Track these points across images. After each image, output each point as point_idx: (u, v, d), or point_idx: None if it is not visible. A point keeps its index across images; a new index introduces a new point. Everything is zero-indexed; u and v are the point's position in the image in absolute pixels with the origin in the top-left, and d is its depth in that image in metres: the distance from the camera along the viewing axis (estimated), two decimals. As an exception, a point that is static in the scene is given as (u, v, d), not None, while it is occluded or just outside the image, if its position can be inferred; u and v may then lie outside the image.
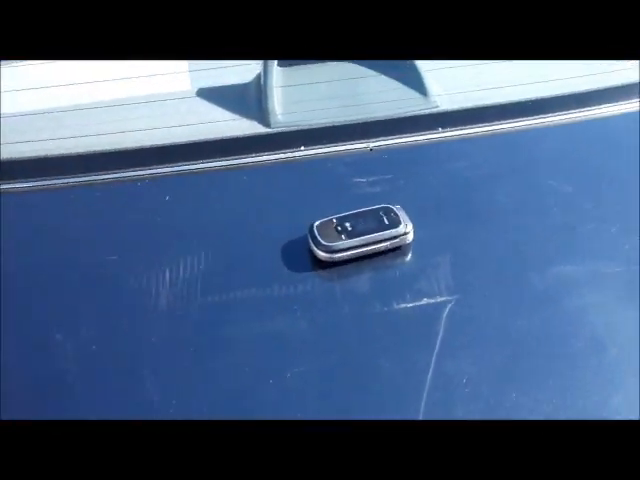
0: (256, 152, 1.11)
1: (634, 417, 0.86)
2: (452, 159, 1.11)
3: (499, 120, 1.16)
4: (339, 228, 0.96)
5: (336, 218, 0.97)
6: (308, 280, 0.96)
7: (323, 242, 0.95)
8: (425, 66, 1.23)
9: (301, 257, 0.98)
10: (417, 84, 1.21)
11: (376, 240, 0.96)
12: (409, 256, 0.99)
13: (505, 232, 1.02)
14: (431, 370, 0.87)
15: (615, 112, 1.19)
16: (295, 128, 1.14)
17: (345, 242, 0.95)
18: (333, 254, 0.95)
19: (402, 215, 0.98)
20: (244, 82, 1.26)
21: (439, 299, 0.93)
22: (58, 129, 1.17)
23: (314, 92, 1.24)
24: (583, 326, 0.92)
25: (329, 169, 1.10)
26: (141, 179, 1.08)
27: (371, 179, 1.08)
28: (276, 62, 1.22)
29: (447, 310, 0.92)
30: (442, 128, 1.14)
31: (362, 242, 0.96)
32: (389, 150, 1.12)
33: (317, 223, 0.97)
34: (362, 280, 0.97)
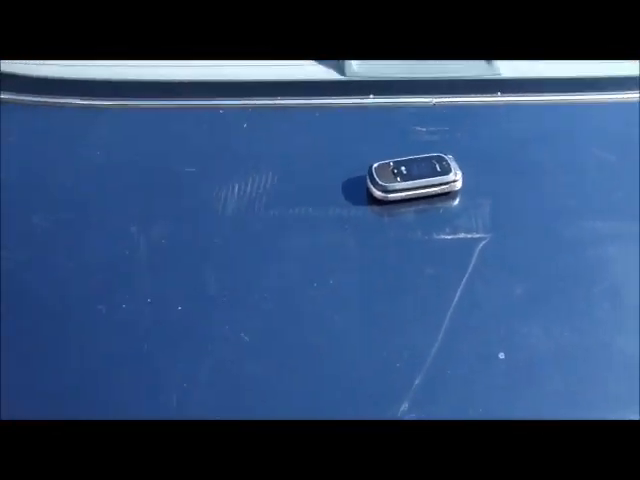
0: (330, 96, 1.22)
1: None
2: (506, 122, 1.20)
3: (555, 92, 1.24)
4: (395, 171, 1.07)
5: (393, 162, 1.08)
6: (363, 214, 1.07)
7: (380, 182, 1.06)
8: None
9: (359, 194, 1.08)
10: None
11: (427, 184, 1.07)
12: (456, 201, 1.09)
13: (544, 188, 1.11)
14: (457, 295, 0.97)
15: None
16: (367, 78, 1.24)
17: (399, 184, 1.06)
18: (388, 194, 1.06)
19: (453, 164, 1.08)
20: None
21: (475, 236, 1.03)
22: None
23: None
24: (602, 274, 1.01)
25: (394, 118, 1.20)
26: (223, 108, 1.20)
27: (430, 130, 1.18)
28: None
29: (481, 245, 1.02)
30: (501, 93, 1.23)
31: (414, 185, 1.06)
32: (451, 107, 1.22)
33: (375, 165, 1.07)
34: (410, 217, 1.07)
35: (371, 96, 1.22)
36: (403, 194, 1.06)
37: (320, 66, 1.27)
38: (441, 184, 1.07)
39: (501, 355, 0.92)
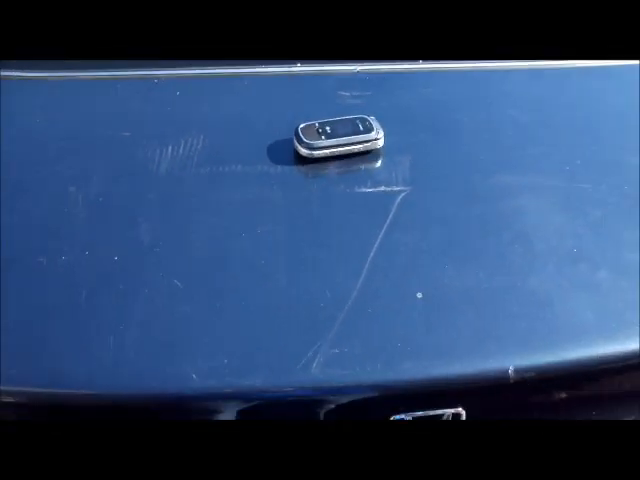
0: (258, 64, 1.27)
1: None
2: (426, 87, 1.27)
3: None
4: (320, 130, 1.13)
5: (318, 122, 1.14)
6: (289, 171, 1.13)
7: (305, 140, 1.12)
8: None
9: (286, 153, 1.14)
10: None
11: (351, 142, 1.12)
12: (378, 158, 1.15)
13: (461, 145, 1.18)
14: (377, 241, 1.03)
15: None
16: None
17: (324, 142, 1.12)
18: (313, 151, 1.12)
19: (375, 124, 1.14)
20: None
21: (395, 189, 1.10)
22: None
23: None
24: (514, 223, 1.07)
25: (319, 84, 1.26)
26: (157, 78, 1.25)
27: (354, 94, 1.24)
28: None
29: (400, 197, 1.08)
30: (422, 60, 1.29)
31: (338, 143, 1.12)
32: (374, 73, 1.28)
33: (302, 125, 1.13)
34: (334, 173, 1.13)
35: (298, 64, 1.27)
36: (327, 151, 1.12)
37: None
38: (364, 142, 1.13)
39: (419, 295, 0.97)
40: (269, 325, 0.94)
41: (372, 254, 1.00)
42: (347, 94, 1.23)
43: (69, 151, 1.14)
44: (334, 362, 0.90)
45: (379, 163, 1.14)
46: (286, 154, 1.14)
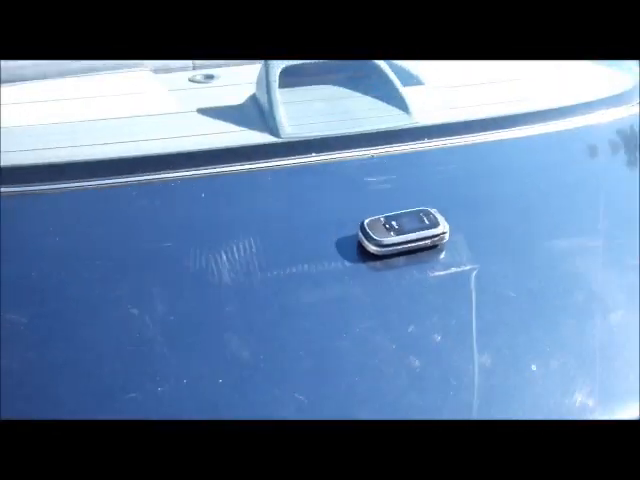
0: (271, 158, 1.22)
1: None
2: (446, 163, 1.28)
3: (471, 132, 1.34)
4: (387, 226, 1.09)
5: (384, 217, 1.10)
6: (361, 269, 1.08)
7: (375, 237, 1.07)
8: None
9: (350, 249, 1.10)
10: (398, 102, 1.37)
11: (419, 238, 1.09)
12: (444, 253, 1.12)
13: (509, 217, 1.19)
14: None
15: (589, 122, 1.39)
16: (303, 138, 1.26)
17: (393, 238, 1.08)
18: (383, 248, 1.08)
19: (439, 217, 1.12)
20: (238, 102, 1.38)
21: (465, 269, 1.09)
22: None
23: (309, 109, 1.37)
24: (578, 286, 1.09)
25: (341, 172, 1.23)
26: (173, 180, 1.17)
27: (380, 179, 1.22)
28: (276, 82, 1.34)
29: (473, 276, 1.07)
30: (427, 138, 1.30)
31: (408, 239, 1.09)
32: (387, 156, 1.27)
33: (367, 221, 1.09)
34: (405, 267, 1.10)
35: (313, 154, 1.23)
36: (398, 248, 1.08)
37: (251, 131, 1.28)
38: (432, 237, 1.10)
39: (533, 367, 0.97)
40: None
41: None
42: (374, 180, 1.20)
43: (115, 270, 1.02)
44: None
45: (444, 252, 1.12)
46: (350, 250, 1.09)
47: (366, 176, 1.22)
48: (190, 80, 1.53)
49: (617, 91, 1.50)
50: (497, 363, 0.97)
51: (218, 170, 1.19)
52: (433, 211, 1.12)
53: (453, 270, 1.09)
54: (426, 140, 1.30)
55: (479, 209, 1.19)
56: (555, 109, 1.39)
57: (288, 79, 1.33)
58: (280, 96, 1.32)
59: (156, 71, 1.50)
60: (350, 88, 1.41)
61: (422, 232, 1.10)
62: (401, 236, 1.08)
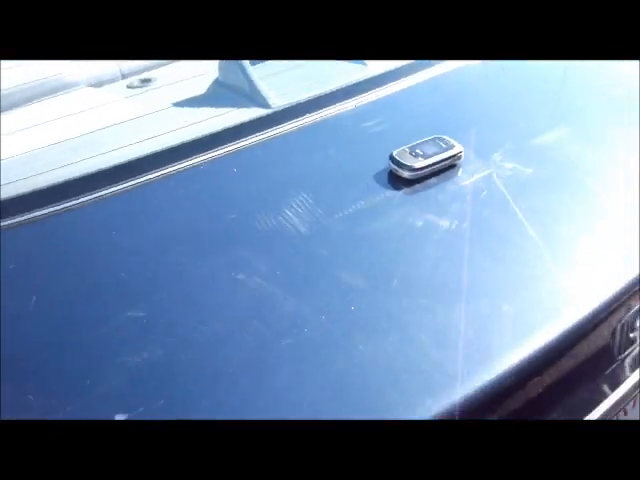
0: (277, 125, 1.29)
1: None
2: (427, 96, 1.41)
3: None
4: (413, 154, 1.21)
5: (408, 147, 1.22)
6: (400, 193, 1.19)
7: (407, 163, 1.19)
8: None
9: (384, 179, 1.21)
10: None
11: (442, 159, 1.22)
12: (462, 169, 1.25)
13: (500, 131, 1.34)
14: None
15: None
16: (293, 103, 1.34)
17: (422, 162, 1.20)
18: (416, 172, 1.20)
19: (452, 140, 1.25)
20: (201, 92, 1.43)
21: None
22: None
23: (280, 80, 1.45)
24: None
25: (343, 122, 1.33)
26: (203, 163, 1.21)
27: (376, 121, 1.33)
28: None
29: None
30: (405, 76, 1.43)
31: (434, 161, 1.21)
32: (370, 103, 1.38)
33: (395, 152, 1.21)
34: (442, 186, 1.22)
35: (307, 115, 1.32)
36: (427, 170, 1.21)
37: (243, 110, 1.34)
38: (451, 157, 1.23)
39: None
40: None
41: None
42: (370, 124, 1.31)
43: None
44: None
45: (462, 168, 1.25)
46: (385, 180, 1.20)
47: (363, 122, 1.32)
48: (129, 87, 1.55)
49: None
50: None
51: (232, 148, 1.23)
52: (445, 137, 1.25)
53: (476, 177, 1.22)
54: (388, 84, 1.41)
55: (474, 130, 1.33)
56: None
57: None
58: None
59: (94, 86, 1.51)
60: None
61: (443, 154, 1.23)
62: (428, 159, 1.21)
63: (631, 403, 1.16)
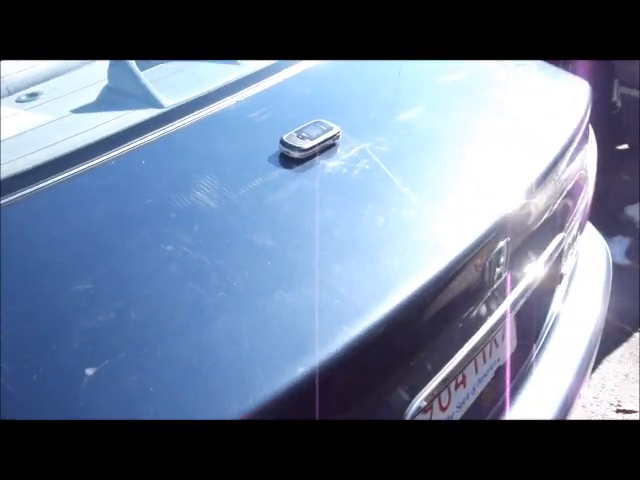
0: (173, 121, 1.44)
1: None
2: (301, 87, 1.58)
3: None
4: (301, 137, 1.38)
5: (294, 132, 1.39)
6: (293, 172, 1.35)
7: (296, 145, 1.37)
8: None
9: (275, 161, 1.37)
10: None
11: (325, 139, 1.40)
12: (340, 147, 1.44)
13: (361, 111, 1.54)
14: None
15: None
16: (183, 101, 1.49)
17: (309, 143, 1.38)
18: (304, 152, 1.37)
19: (330, 123, 1.43)
20: (92, 100, 1.55)
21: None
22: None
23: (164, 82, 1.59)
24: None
25: (231, 115, 1.49)
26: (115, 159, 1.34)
27: (259, 112, 1.50)
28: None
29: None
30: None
31: (318, 142, 1.39)
32: (249, 98, 1.55)
33: (285, 136, 1.37)
34: (328, 163, 1.39)
35: (197, 111, 1.48)
36: (314, 150, 1.38)
37: (137, 111, 1.48)
38: (332, 136, 1.41)
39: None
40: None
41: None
42: (255, 114, 1.49)
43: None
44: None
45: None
46: (277, 162, 1.37)
47: (247, 114, 1.49)
48: (17, 101, 1.64)
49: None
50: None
51: (136, 144, 1.37)
52: (323, 120, 1.43)
53: (353, 152, 1.41)
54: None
55: (343, 113, 1.52)
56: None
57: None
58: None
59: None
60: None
61: (325, 134, 1.41)
62: (313, 140, 1.39)
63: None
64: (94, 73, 1.66)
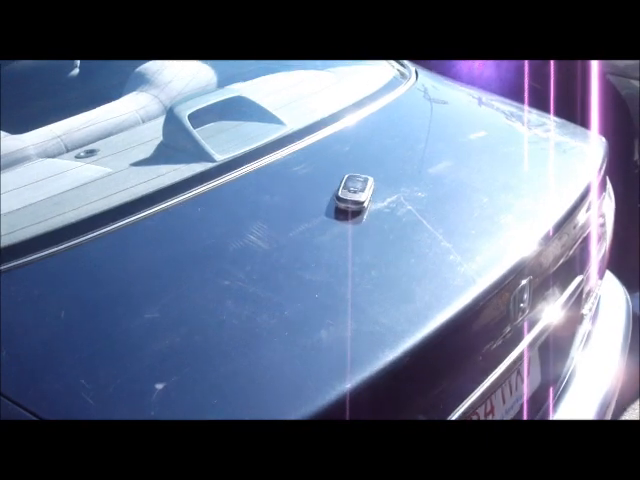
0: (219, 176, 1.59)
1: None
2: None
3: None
4: (351, 191, 1.50)
5: (343, 187, 1.50)
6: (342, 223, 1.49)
7: (353, 199, 1.48)
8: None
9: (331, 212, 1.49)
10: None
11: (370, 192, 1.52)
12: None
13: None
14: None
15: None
16: (234, 156, 1.64)
17: (363, 195, 1.49)
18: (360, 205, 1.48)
19: (363, 175, 1.55)
20: (149, 155, 1.70)
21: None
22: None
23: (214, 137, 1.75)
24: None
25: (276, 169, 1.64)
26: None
27: (303, 165, 1.65)
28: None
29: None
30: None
31: (368, 195, 1.50)
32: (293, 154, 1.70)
33: (340, 192, 1.49)
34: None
35: (246, 164, 1.63)
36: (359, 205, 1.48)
37: (190, 165, 1.63)
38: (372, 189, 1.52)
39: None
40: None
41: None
42: (300, 167, 1.64)
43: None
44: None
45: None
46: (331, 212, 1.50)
47: (294, 167, 1.64)
48: (77, 157, 1.79)
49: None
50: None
51: (192, 194, 1.52)
52: (356, 174, 1.55)
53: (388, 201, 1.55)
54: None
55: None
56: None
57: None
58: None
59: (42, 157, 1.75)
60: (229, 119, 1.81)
61: (368, 188, 1.52)
62: (364, 193, 1.50)
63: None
64: (148, 131, 1.81)
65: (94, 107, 1.86)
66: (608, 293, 2.07)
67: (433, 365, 1.28)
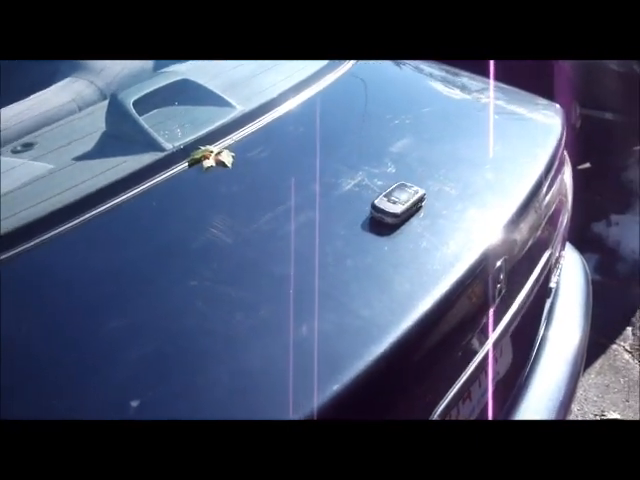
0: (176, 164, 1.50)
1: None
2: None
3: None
4: (390, 199, 1.37)
5: (384, 195, 1.37)
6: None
7: (390, 211, 1.34)
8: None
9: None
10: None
11: (416, 201, 1.38)
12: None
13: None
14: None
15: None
16: (184, 143, 1.55)
17: (398, 208, 1.35)
18: (397, 218, 1.34)
19: (413, 185, 1.41)
20: (90, 147, 1.60)
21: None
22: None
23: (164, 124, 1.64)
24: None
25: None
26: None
27: (257, 150, 1.57)
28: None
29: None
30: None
31: (409, 206, 1.36)
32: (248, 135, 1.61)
33: (376, 201, 1.35)
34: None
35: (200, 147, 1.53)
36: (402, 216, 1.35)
37: (139, 155, 1.53)
38: (420, 199, 1.40)
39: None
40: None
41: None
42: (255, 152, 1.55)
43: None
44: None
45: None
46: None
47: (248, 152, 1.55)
48: (13, 152, 1.67)
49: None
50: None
51: (153, 183, 1.43)
52: (407, 183, 1.42)
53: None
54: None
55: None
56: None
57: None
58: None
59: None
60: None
61: (415, 197, 1.38)
62: (405, 205, 1.37)
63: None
64: (88, 119, 1.70)
65: (25, 97, 1.72)
66: (567, 262, 2.04)
67: (419, 354, 1.23)
